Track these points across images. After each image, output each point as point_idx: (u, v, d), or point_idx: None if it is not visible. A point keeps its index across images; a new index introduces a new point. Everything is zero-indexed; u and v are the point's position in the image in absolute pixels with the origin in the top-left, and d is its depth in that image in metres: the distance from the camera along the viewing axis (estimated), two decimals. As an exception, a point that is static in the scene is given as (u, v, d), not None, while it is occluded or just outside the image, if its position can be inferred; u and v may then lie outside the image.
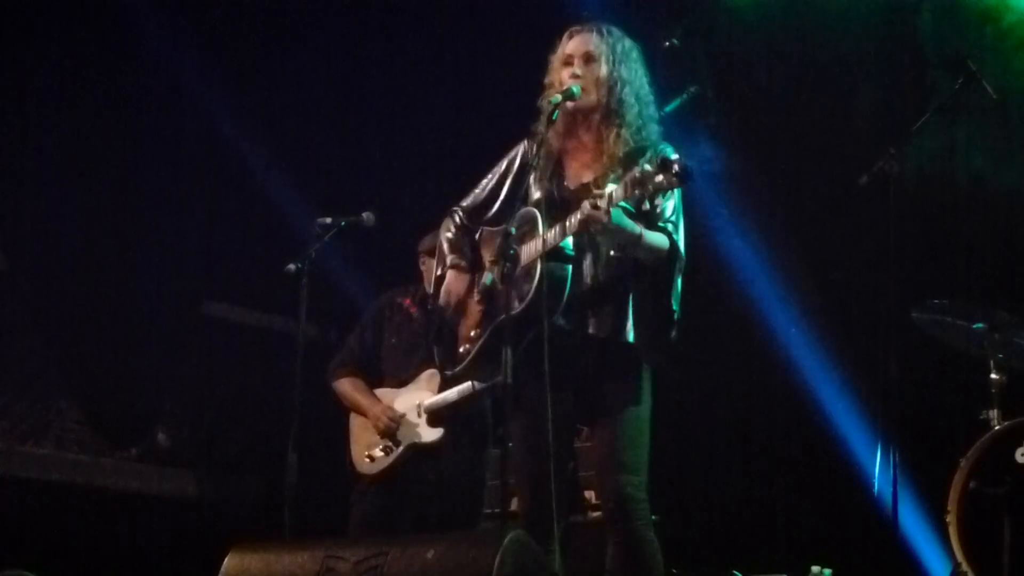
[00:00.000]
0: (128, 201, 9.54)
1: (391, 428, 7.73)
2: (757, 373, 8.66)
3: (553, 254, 5.61)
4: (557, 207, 5.69)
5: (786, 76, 8.99)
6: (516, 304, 5.58)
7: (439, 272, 6.08)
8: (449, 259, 6.02)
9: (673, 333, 5.71)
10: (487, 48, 9.68)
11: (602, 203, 5.44)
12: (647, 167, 5.33)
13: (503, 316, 5.50)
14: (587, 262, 5.70)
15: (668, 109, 8.99)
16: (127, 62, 9.52)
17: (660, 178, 5.28)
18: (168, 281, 9.69)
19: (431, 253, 7.24)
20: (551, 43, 5.97)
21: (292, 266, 7.19)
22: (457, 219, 6.08)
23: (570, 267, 5.64)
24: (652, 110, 5.89)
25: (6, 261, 9.15)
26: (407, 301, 7.96)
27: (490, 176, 6.05)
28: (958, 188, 8.27)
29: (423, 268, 7.91)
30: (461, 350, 5.94)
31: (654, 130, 5.85)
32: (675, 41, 9.34)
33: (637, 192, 5.34)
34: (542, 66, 5.96)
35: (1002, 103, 7.28)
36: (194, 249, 9.74)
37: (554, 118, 5.73)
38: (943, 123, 6.61)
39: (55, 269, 9.24)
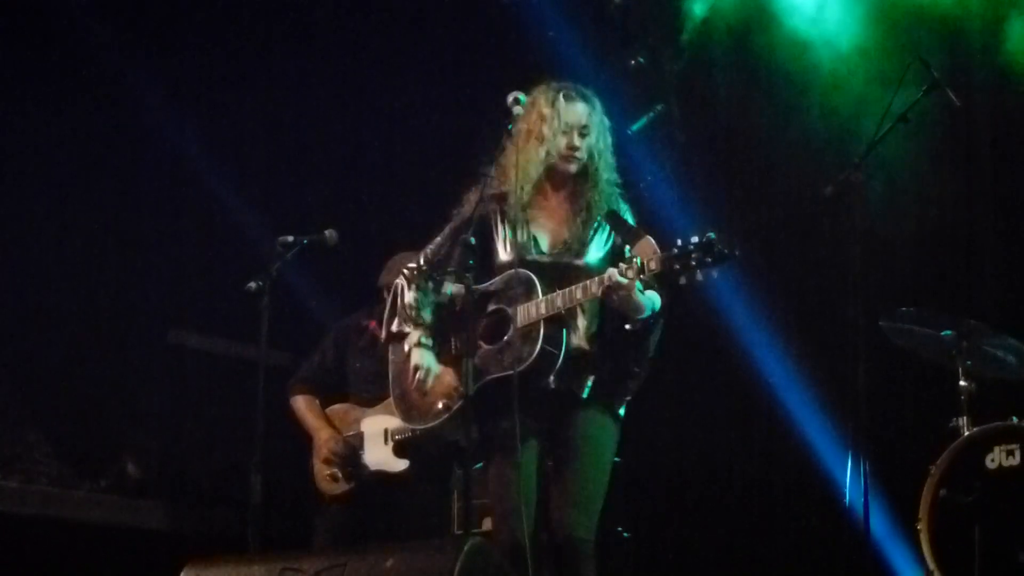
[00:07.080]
0: (89, 230, 9.44)
1: (332, 460, 7.62)
2: (725, 387, 8.61)
3: (551, 318, 5.68)
4: (544, 272, 5.76)
5: (754, 89, 8.95)
6: (514, 363, 5.62)
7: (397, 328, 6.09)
8: (415, 335, 6.00)
9: (634, 384, 5.86)
10: (456, 66, 9.62)
11: (630, 273, 5.49)
12: (688, 245, 5.39)
13: (495, 374, 5.70)
14: (572, 325, 5.77)
15: (635, 127, 9.02)
16: (89, 91, 9.44)
17: (699, 255, 5.35)
18: (133, 310, 9.59)
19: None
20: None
21: (253, 284, 7.06)
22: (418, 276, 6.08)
23: (565, 331, 5.71)
24: (615, 176, 6.01)
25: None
26: (372, 324, 7.85)
27: (449, 231, 6.05)
28: (925, 196, 8.24)
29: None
30: (440, 405, 5.93)
31: (616, 192, 5.98)
32: (640, 59, 9.34)
33: (677, 267, 5.40)
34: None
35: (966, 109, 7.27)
36: (158, 276, 9.63)
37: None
38: (908, 131, 6.51)
39: (17, 300, 9.12)
